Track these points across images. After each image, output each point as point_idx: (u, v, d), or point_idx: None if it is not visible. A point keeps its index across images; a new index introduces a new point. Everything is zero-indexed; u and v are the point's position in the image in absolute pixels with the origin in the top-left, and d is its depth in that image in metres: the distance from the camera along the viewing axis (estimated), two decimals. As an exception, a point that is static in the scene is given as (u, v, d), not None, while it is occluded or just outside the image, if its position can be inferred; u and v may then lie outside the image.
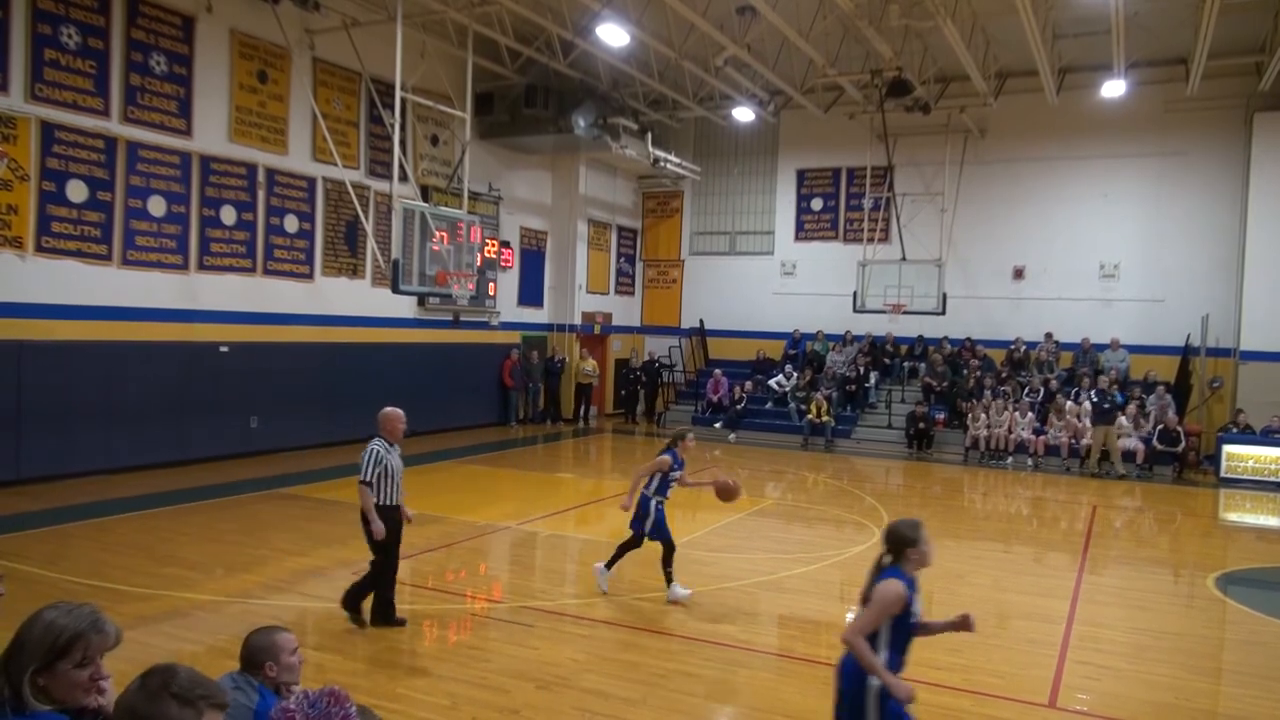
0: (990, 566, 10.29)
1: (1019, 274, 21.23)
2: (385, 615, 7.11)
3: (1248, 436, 17.19)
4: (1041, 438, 17.98)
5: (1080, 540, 11.71)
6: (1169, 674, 6.93)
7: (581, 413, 22.26)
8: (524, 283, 21.82)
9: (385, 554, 6.99)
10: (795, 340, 22.98)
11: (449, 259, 14.69)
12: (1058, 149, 20.65)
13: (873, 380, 21.35)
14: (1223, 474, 16.84)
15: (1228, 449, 16.97)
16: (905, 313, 20.30)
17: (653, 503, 8.04)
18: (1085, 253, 20.57)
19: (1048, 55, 17.28)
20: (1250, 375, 18.48)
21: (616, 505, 8.67)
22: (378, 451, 6.95)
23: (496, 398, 20.72)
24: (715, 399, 21.56)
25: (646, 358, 24.16)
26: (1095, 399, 17.72)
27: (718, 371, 22.09)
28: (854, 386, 21.11)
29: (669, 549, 8.05)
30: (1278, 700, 6.63)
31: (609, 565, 8.20)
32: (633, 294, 25.55)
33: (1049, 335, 20.50)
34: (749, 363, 22.73)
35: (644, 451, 17.91)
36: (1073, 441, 17.73)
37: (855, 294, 20.60)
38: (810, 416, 19.87)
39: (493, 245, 19.96)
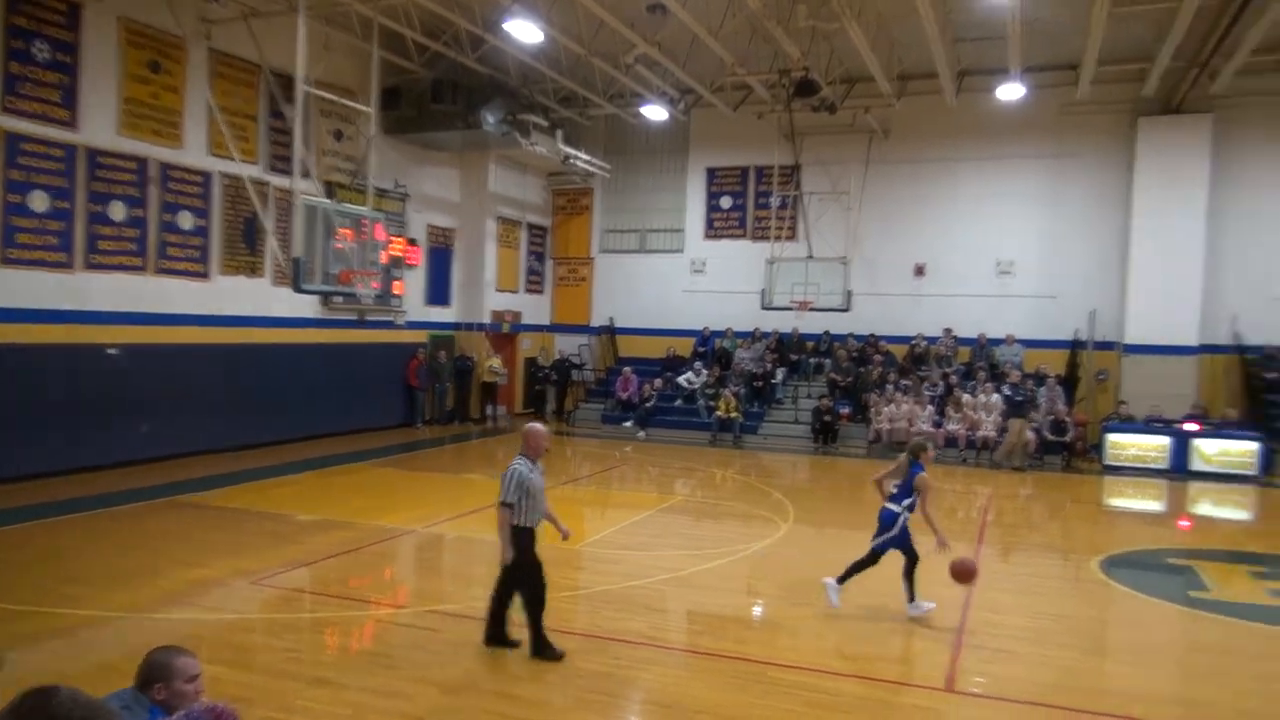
0: (892, 557, 10.56)
1: (920, 271, 21.86)
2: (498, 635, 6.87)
3: (1130, 426, 18.06)
4: (941, 430, 18.57)
5: (977, 529, 12.13)
6: (1059, 655, 7.24)
7: (489, 412, 22.07)
8: (431, 281, 21.49)
9: (512, 577, 6.69)
10: (704, 338, 23.22)
11: (353, 257, 14.38)
12: (957, 149, 21.33)
13: (780, 377, 21.74)
14: (1106, 462, 17.67)
15: (1111, 438, 17.81)
16: (812, 310, 20.69)
17: (901, 516, 8.06)
18: (983, 250, 21.31)
19: (948, 58, 17.85)
20: (1133, 367, 19.45)
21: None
22: (520, 471, 6.59)
23: (402, 399, 20.37)
24: (625, 397, 21.61)
25: (557, 356, 24.07)
26: (1009, 393, 18.35)
27: (627, 369, 22.16)
28: (762, 383, 21.44)
29: (913, 562, 8.07)
30: (1158, 676, 7.00)
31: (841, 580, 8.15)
32: (542, 292, 25.43)
33: (948, 331, 21.18)
34: (659, 360, 22.86)
35: (552, 450, 17.81)
36: (969, 433, 18.36)
37: (763, 291, 20.92)
38: (719, 413, 20.10)
39: (399, 243, 19.60)
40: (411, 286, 20.65)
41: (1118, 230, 20.06)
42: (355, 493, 13.14)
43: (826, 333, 22.24)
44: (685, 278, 24.02)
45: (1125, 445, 17.71)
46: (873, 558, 8.16)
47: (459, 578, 9.55)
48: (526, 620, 6.69)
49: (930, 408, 19.06)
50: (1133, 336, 19.49)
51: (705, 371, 21.73)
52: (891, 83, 19.54)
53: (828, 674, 6.60)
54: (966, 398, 18.78)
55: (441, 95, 18.84)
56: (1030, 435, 17.90)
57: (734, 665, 6.65)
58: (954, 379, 19.81)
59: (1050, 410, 18.44)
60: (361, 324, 19.18)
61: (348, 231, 14.21)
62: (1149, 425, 17.97)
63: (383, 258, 15.45)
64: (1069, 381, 19.87)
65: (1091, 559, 10.53)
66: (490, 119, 19.29)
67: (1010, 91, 18.80)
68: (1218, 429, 17.53)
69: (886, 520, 8.16)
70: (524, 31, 15.67)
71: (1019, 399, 18.10)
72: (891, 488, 8.32)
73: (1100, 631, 8.32)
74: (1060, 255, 20.72)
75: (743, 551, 10.38)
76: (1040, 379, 19.51)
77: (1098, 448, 18.17)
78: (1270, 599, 9.06)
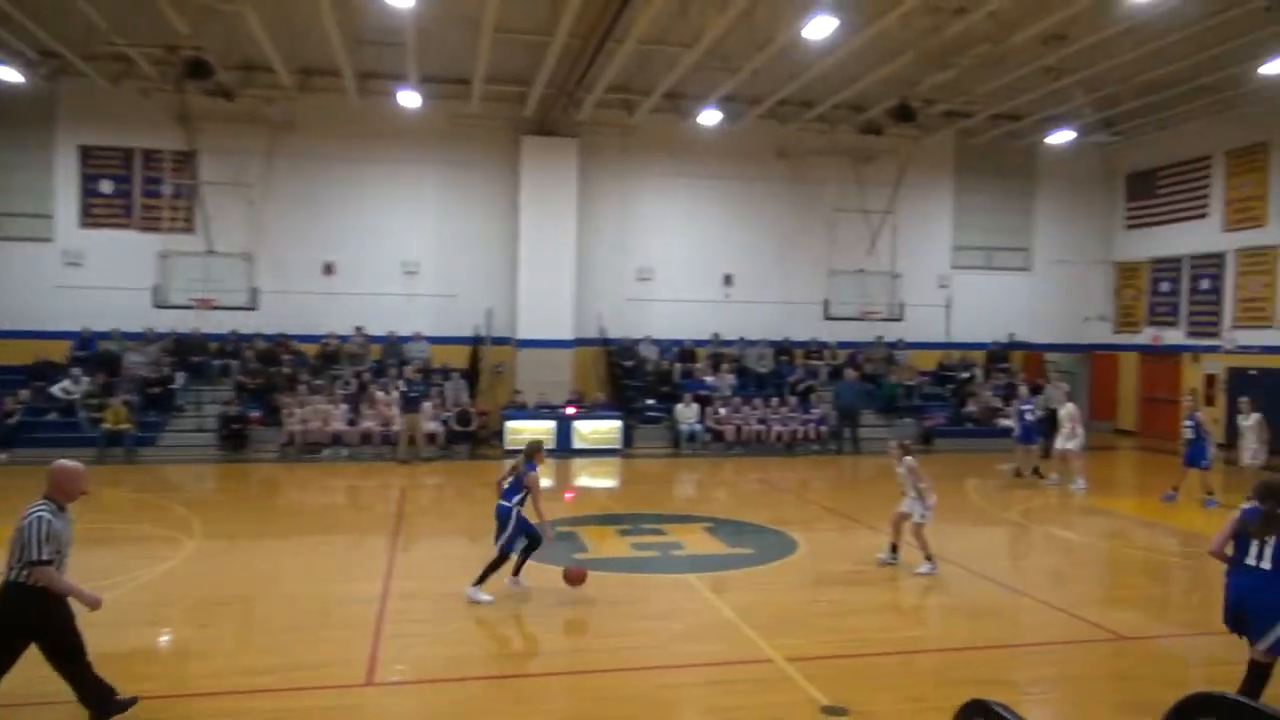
0: (309, 560, 10.43)
1: (330, 269, 21.70)
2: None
3: (524, 412, 20.18)
4: (356, 428, 18.74)
5: (393, 521, 12.52)
6: (469, 630, 7.85)
7: None
8: None
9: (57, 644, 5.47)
10: (85, 340, 20.22)
11: None
12: (364, 149, 21.58)
13: (180, 381, 19.89)
14: (507, 446, 19.48)
15: (510, 424, 19.70)
16: (215, 308, 19.35)
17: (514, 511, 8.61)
18: (390, 250, 21.92)
19: (349, 58, 17.97)
20: (525, 360, 21.73)
21: None
22: (46, 519, 5.32)
23: None
24: (-21, 412, 17.90)
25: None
26: (404, 389, 19.04)
27: (-21, 379, 18.37)
28: (159, 389, 19.41)
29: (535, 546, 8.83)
30: (553, 632, 7.95)
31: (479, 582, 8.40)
32: None
33: (359, 329, 21.42)
34: (25, 368, 19.34)
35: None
36: (383, 429, 18.83)
37: (156, 288, 19.02)
38: (106, 425, 17.71)
39: None
40: None
41: (509, 236, 22.15)
42: None
43: (234, 332, 20.92)
44: (57, 271, 20.57)
45: (521, 430, 19.62)
46: (503, 557, 8.67)
47: None
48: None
49: (344, 406, 19.10)
50: (524, 332, 21.75)
51: (86, 379, 18.95)
52: (293, 75, 19.10)
53: (244, 694, 6.30)
54: (380, 395, 19.21)
55: None
56: (436, 426, 18.95)
57: (144, 709, 5.98)
58: (367, 376, 20.13)
59: (456, 402, 19.74)
60: None
61: None
62: (539, 411, 20.24)
63: None
64: (471, 375, 21.46)
65: (496, 536, 11.54)
66: None
67: (408, 99, 19.63)
68: (591, 410, 20.43)
69: (502, 516, 8.72)
70: None
71: (412, 395, 18.94)
72: (505, 485, 8.89)
73: (504, 602, 9.18)
74: (460, 257, 22.21)
75: (143, 577, 9.35)
76: (448, 374, 20.75)
77: (499, 434, 19.93)
78: (633, 551, 10.86)
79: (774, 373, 22.81)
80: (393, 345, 21.34)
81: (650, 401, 21.50)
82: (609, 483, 17.66)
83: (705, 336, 23.16)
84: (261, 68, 19.05)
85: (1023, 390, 17.91)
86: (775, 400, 21.07)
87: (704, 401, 20.81)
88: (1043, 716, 6.30)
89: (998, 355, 24.79)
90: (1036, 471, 16.88)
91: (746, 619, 8.13)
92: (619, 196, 22.90)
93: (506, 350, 22.23)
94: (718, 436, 20.36)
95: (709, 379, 21.83)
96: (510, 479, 8.93)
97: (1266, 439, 13.94)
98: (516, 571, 9.00)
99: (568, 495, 15.90)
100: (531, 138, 21.72)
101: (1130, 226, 25.33)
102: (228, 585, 8.60)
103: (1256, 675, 5.70)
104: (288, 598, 8.12)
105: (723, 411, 20.67)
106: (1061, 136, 22.86)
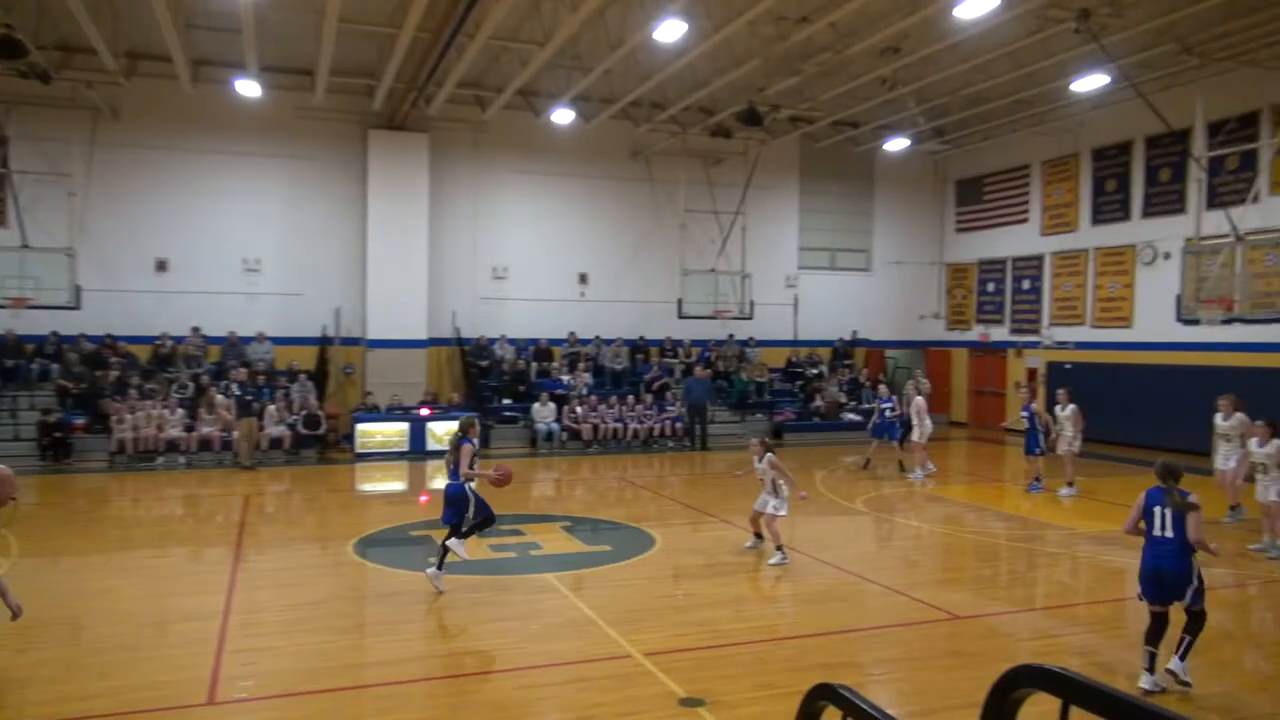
0: (145, 575, 9.83)
1: (163, 266, 20.48)
2: None
3: (375, 415, 19.65)
4: (194, 434, 17.77)
5: (235, 531, 11.95)
6: (319, 640, 7.58)
7: None
8: None
9: None
10: (-123, 342, 18.38)
11: None
12: (199, 140, 20.47)
13: (-8, 386, 18.35)
14: (357, 449, 18.94)
15: (360, 427, 19.14)
16: (31, 307, 17.91)
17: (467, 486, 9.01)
18: (229, 246, 20.86)
19: (181, 42, 17.00)
20: (376, 360, 21.16)
21: None
22: None
23: None
24: None
25: None
26: (239, 392, 18.11)
27: None
28: (-34, 395, 17.85)
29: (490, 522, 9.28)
30: (411, 639, 7.79)
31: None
32: None
33: (196, 329, 20.31)
34: None
35: None
36: (224, 435, 17.93)
37: (-38, 285, 17.38)
38: (-95, 435, 16.18)
39: None
40: None
41: (357, 232, 21.49)
42: None
43: (54, 333, 19.41)
44: None
45: (373, 433, 19.18)
46: (486, 522, 9.19)
47: None
48: None
49: (181, 410, 18.07)
50: (374, 332, 21.16)
51: (-122, 386, 17.23)
52: (118, 59, 17.94)
53: (72, 720, 5.89)
54: (220, 398, 18.26)
55: None
56: (282, 430, 18.20)
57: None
58: (205, 379, 19.10)
59: (304, 405, 19.01)
60: None
61: None
62: (392, 413, 19.75)
63: None
64: (320, 376, 20.71)
65: (347, 543, 11.21)
66: None
67: (248, 88, 18.76)
68: (446, 411, 20.07)
69: (456, 494, 8.98)
70: None
71: (248, 399, 18.11)
72: (451, 465, 9.13)
73: (358, 610, 8.92)
74: (305, 254, 21.39)
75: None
76: (294, 375, 19.95)
77: (349, 437, 19.32)
78: (491, 553, 10.75)
79: (630, 371, 23.06)
80: (234, 346, 20.33)
81: (506, 401, 21.36)
82: (465, 484, 17.41)
83: (561, 335, 23.17)
84: (82, 49, 17.78)
85: (882, 388, 18.56)
86: (631, 398, 21.30)
87: (560, 400, 20.82)
88: (886, 695, 6.64)
89: (842, 352, 25.90)
90: (901, 466, 17.40)
91: (605, 616, 8.20)
92: (472, 194, 22.60)
93: (356, 351, 21.58)
94: (575, 435, 20.41)
95: (565, 378, 21.86)
96: (453, 458, 9.15)
97: (1082, 427, 15.12)
98: (440, 566, 9.07)
99: (423, 499, 15.59)
100: (380, 132, 21.16)
101: (960, 230, 26.95)
102: (51, 606, 8.00)
103: (1194, 621, 6.55)
104: (120, 616, 7.63)
105: (579, 410, 20.74)
106: (897, 144, 24.11)
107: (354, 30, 16.99)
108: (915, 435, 16.84)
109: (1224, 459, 12.66)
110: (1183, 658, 6.49)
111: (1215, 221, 16.39)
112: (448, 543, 8.99)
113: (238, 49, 17.34)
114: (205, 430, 17.88)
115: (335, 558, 10.85)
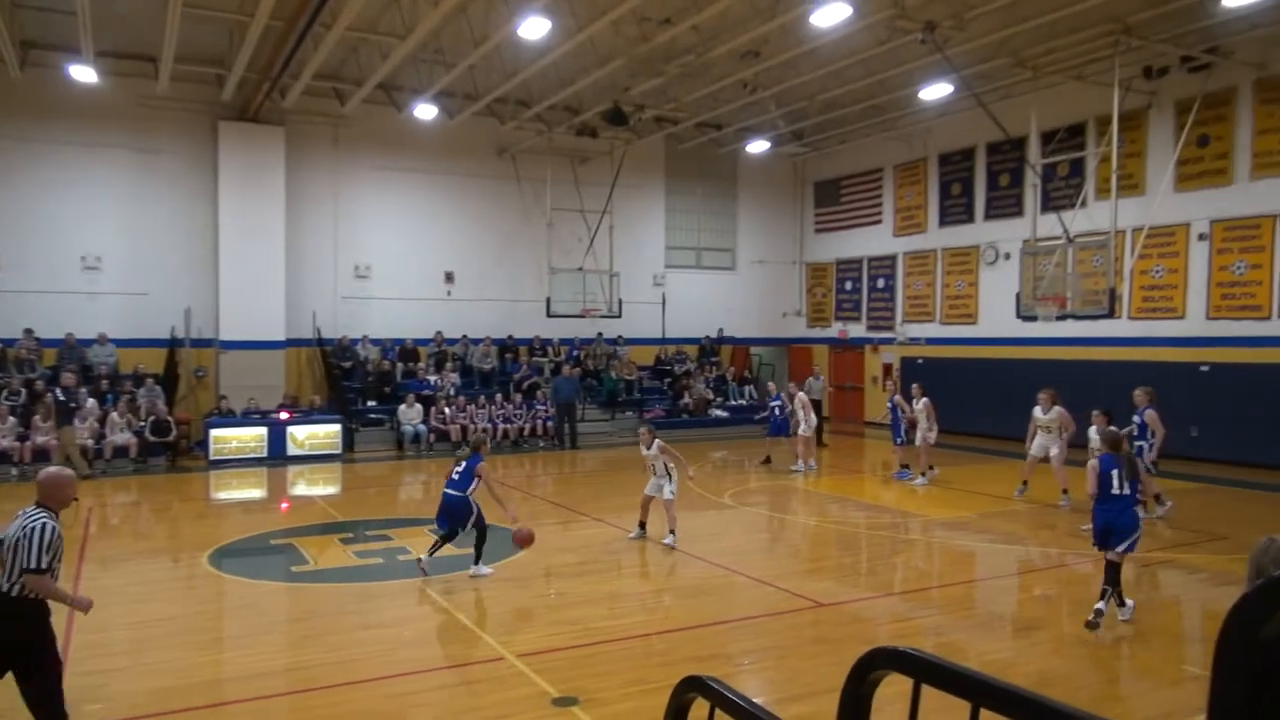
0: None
1: (-11, 264, 19.01)
2: None
3: (231, 419, 18.80)
4: (27, 444, 16.57)
5: (75, 547, 11.21)
6: (173, 657, 7.22)
7: None
8: None
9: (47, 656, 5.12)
10: None
11: None
12: (28, 129, 19.04)
13: None
14: (212, 456, 18.08)
15: (214, 432, 18.28)
16: None
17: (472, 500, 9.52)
18: (66, 243, 19.51)
19: (7, 25, 15.81)
20: (230, 363, 20.23)
21: None
22: (54, 528, 5.07)
23: None
24: None
25: None
26: (62, 398, 16.89)
27: None
28: None
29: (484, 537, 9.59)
30: (272, 652, 7.51)
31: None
32: None
33: (29, 331, 18.90)
34: None
35: None
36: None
37: None
38: None
39: None
40: None
41: (208, 229, 20.48)
42: None
43: None
44: None
45: (228, 439, 18.34)
46: (483, 535, 9.58)
47: None
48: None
49: (12, 419, 16.80)
50: (228, 333, 20.22)
51: None
52: (-65, 40, 16.53)
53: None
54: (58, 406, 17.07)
55: None
56: (121, 438, 17.21)
57: None
58: (40, 385, 17.80)
59: (151, 410, 18.01)
60: None
61: None
62: (250, 417, 18.93)
63: None
64: (169, 380, 19.66)
65: (202, 554, 10.70)
66: None
67: (83, 74, 17.62)
68: (307, 415, 19.41)
69: (457, 505, 9.44)
70: None
71: (71, 405, 16.92)
72: (456, 476, 9.60)
73: (214, 624, 8.54)
74: (151, 252, 20.24)
75: None
76: (140, 379, 18.86)
77: (203, 444, 18.42)
78: (357, 559, 10.49)
79: (499, 370, 22.86)
80: (71, 349, 19.04)
81: (371, 403, 20.83)
82: (329, 490, 16.88)
83: (428, 335, 22.74)
84: (-109, 28, 16.30)
85: (771, 386, 18.97)
86: (500, 398, 21.12)
87: (428, 401, 20.45)
88: (755, 684, 6.84)
89: (709, 350, 26.42)
90: (768, 459, 18.00)
91: (476, 619, 8.13)
92: (332, 190, 21.91)
93: (209, 353, 20.58)
94: (443, 437, 20.09)
95: (432, 378, 21.48)
96: (460, 470, 9.63)
97: (936, 419, 16.04)
98: (477, 560, 9.56)
99: (283, 506, 15.04)
100: (232, 124, 20.24)
101: (819, 230, 27.91)
102: None
103: (1113, 571, 7.82)
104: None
105: (448, 411, 20.42)
106: (758, 146, 24.77)
107: (201, 16, 16.21)
108: (801, 430, 17.26)
109: (1039, 449, 13.57)
110: (1120, 603, 7.87)
111: (1049, 224, 17.55)
112: (474, 568, 9.56)
113: (71, 32, 16.25)
114: (40, 440, 16.68)
115: (189, 570, 10.34)
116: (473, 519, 9.52)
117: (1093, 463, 8.18)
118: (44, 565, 5.01)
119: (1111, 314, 16.47)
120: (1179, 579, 9.93)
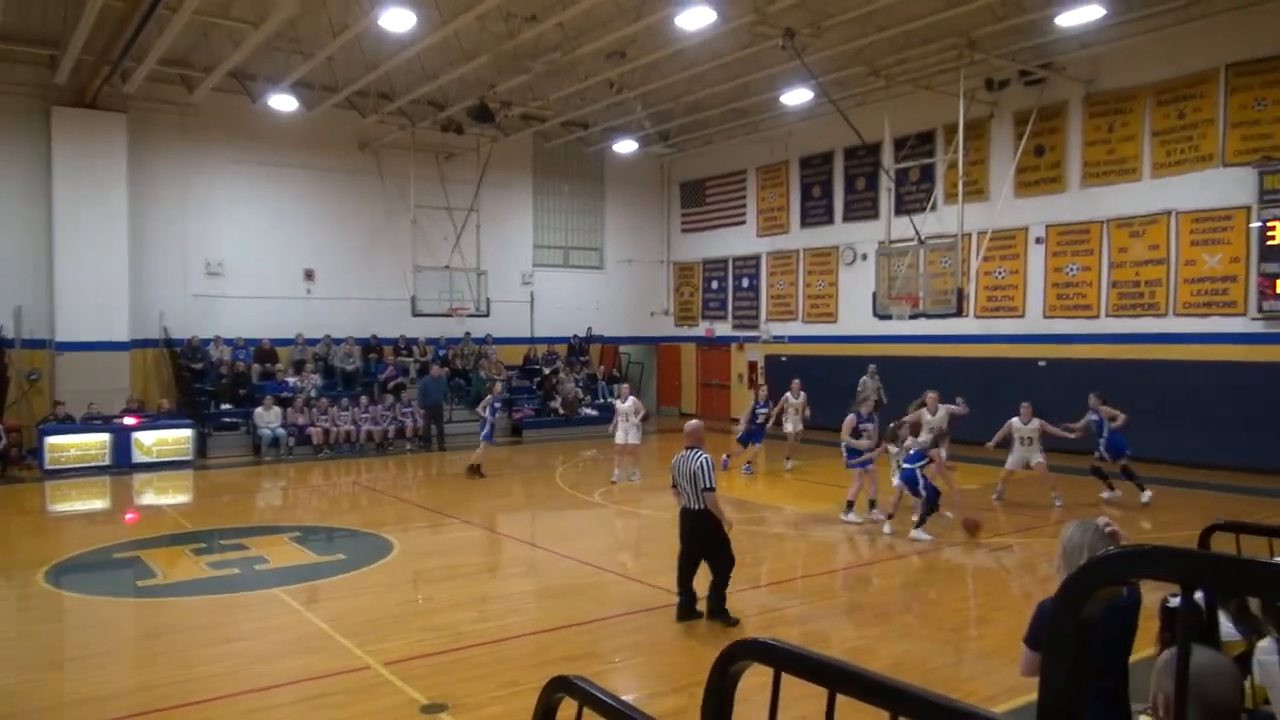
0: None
1: None
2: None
3: (69, 426, 17.59)
4: None
5: (-109, 568, 10.29)
6: (8, 681, 6.71)
7: None
8: None
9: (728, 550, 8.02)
10: None
11: None
12: None
13: None
14: (47, 466, 16.88)
15: (50, 440, 17.07)
16: None
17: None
18: (-128, 237, 17.84)
19: None
20: (67, 365, 18.92)
21: None
22: (709, 459, 7.92)
23: None
24: None
25: None
26: None
27: None
28: None
29: None
30: (118, 671, 7.08)
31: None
32: None
33: None
34: None
35: None
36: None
37: None
38: None
39: None
40: None
41: (40, 221, 19.07)
42: None
43: None
44: None
45: (66, 446, 17.16)
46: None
47: None
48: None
49: None
50: (65, 333, 18.91)
51: None
52: None
53: None
54: None
55: None
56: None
57: None
58: None
59: (-24, 418, 16.68)
60: None
61: None
62: (91, 423, 17.77)
63: None
64: (-2, 385, 18.26)
65: (37, 571, 9.98)
66: None
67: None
68: (154, 420, 18.37)
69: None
70: None
71: None
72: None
73: (53, 645, 7.99)
74: (-24, 247, 18.74)
75: None
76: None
77: (36, 452, 17.18)
78: (210, 570, 10.00)
79: (363, 371, 22.23)
80: (-119, 353, 17.44)
81: (226, 406, 19.92)
82: (179, 498, 16.02)
83: (287, 335, 21.88)
84: None
85: (762, 391, 17.88)
86: (365, 399, 20.55)
87: (287, 404, 19.69)
88: (625, 681, 6.90)
89: (578, 349, 26.44)
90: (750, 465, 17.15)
91: (340, 628, 7.89)
92: (181, 182, 20.80)
93: (43, 354, 19.19)
94: (304, 440, 19.39)
95: (291, 380, 20.72)
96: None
97: (805, 415, 16.78)
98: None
99: (128, 516, 14.20)
100: (66, 109, 18.91)
101: (685, 230, 28.34)
102: None
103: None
104: None
105: (309, 413, 19.72)
106: (625, 146, 24.94)
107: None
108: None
109: (1017, 462, 13.44)
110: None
111: (902, 227, 18.36)
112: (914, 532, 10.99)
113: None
114: None
115: (23, 589, 9.62)
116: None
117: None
118: (715, 485, 6.62)
119: (959, 313, 17.41)
120: (1018, 561, 10.58)
